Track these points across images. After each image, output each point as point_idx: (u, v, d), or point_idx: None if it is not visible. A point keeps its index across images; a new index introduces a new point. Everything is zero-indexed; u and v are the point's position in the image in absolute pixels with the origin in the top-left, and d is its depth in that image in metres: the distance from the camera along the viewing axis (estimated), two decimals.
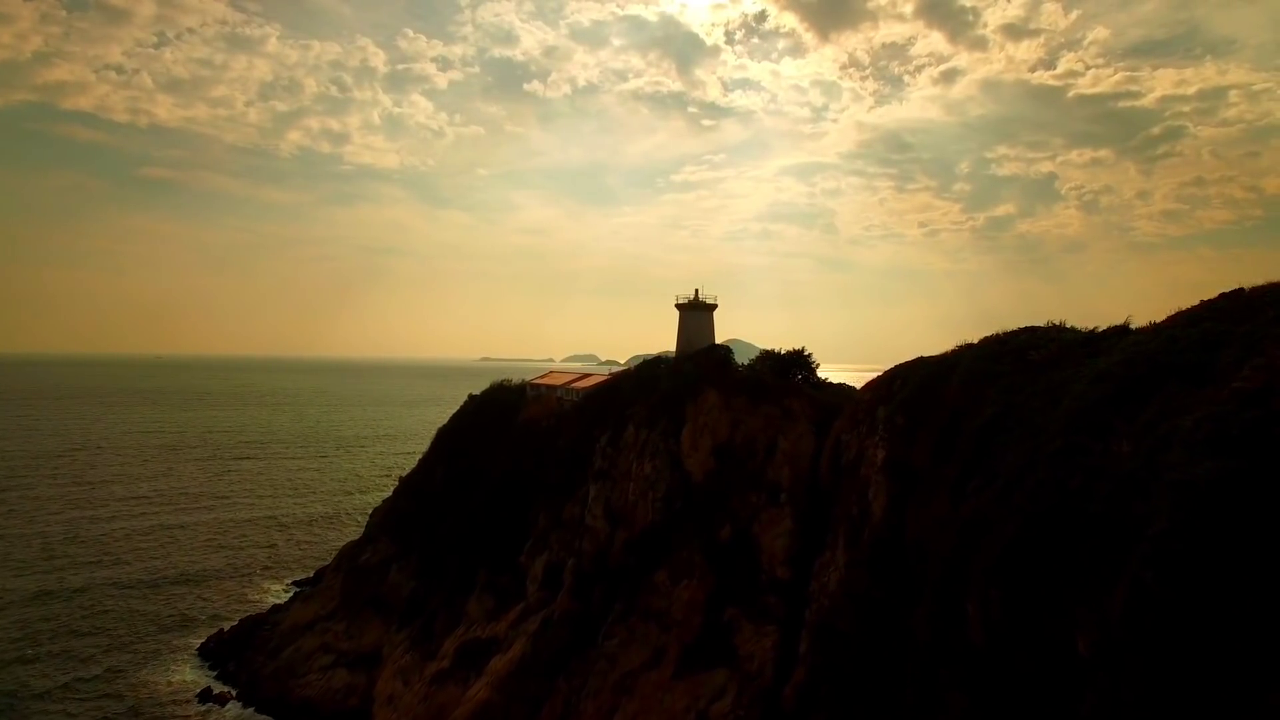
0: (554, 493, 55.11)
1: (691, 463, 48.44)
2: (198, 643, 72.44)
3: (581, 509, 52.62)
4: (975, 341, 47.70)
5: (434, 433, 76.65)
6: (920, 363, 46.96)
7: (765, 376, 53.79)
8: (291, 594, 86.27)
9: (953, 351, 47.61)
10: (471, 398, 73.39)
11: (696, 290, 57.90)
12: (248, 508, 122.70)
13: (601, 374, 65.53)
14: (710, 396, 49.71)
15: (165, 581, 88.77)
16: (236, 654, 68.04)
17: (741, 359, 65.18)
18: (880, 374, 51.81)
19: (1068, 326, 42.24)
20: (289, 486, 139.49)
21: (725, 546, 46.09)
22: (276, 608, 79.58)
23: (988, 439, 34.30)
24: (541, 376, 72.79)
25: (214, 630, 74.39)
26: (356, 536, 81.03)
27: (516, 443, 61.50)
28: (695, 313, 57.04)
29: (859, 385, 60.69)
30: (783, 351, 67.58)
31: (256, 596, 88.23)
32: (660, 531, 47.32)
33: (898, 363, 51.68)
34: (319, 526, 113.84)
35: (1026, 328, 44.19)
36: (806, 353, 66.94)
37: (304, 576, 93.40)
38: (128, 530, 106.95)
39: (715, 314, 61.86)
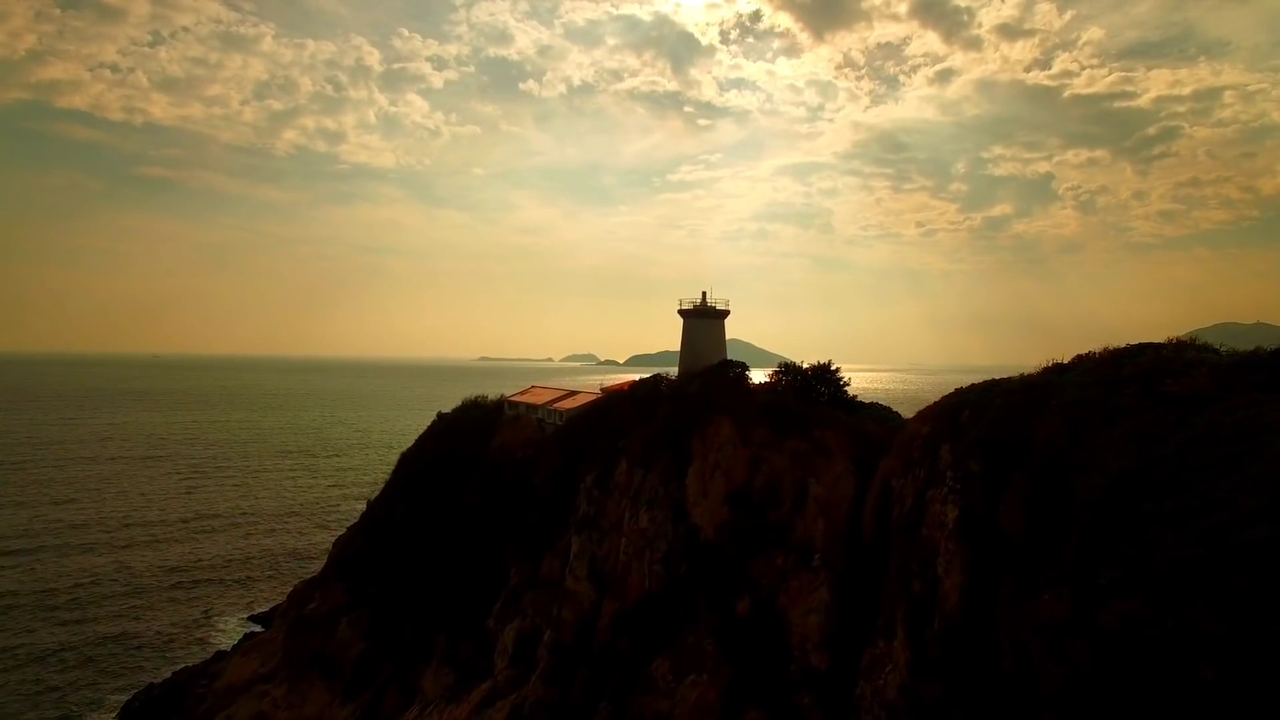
0: (529, 542, 44.85)
1: (700, 513, 38.14)
2: (123, 699, 62.31)
3: (562, 566, 42.38)
4: (1066, 361, 37.53)
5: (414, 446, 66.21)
6: (994, 387, 36.64)
7: (790, 401, 43.50)
8: (242, 634, 76.34)
9: (1041, 374, 37.16)
10: (441, 417, 63.09)
11: (704, 293, 47.57)
12: (217, 524, 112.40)
13: (590, 391, 55.22)
14: (723, 427, 39.44)
15: (104, 614, 78.60)
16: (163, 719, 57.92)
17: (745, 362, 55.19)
18: (939, 401, 41.59)
19: (1205, 345, 31.73)
20: (269, 501, 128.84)
21: (744, 625, 35.78)
22: (220, 654, 69.53)
23: (1123, 506, 23.64)
24: (521, 393, 62.50)
25: (149, 681, 64.38)
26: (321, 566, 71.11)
27: (487, 475, 51.25)
28: (703, 321, 46.58)
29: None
30: (804, 365, 57.36)
31: (205, 633, 78.13)
32: (660, 604, 37.04)
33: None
34: (292, 548, 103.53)
35: (1145, 345, 33.68)
36: (834, 367, 56.70)
37: (263, 610, 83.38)
38: (61, 545, 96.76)
39: (726, 320, 51.35)
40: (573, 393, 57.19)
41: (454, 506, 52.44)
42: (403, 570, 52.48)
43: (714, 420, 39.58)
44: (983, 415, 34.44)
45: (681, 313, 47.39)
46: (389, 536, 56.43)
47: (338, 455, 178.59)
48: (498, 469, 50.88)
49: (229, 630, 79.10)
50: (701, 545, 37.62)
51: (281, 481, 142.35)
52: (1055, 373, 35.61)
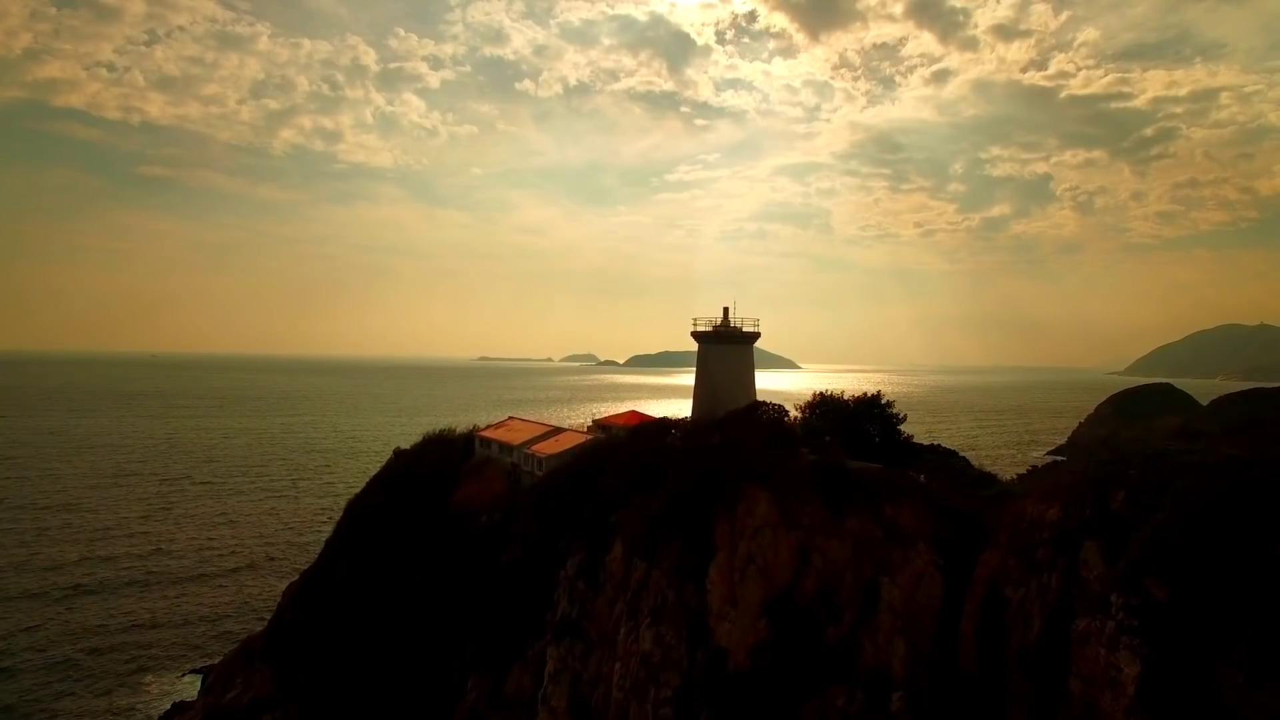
0: (492, 644, 33.31)
1: (727, 630, 26.68)
2: None
3: (534, 684, 30.95)
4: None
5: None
6: (1160, 458, 25.18)
7: (842, 457, 31.99)
8: (169, 705, 64.63)
9: (1246, 436, 25.37)
10: (398, 456, 51.54)
11: (726, 310, 35.81)
12: (173, 564, 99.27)
13: (577, 432, 43.73)
14: (758, 504, 28.02)
15: (27, 667, 66.63)
16: None
17: None
18: (1067, 474, 30.02)
19: None
20: (248, 525, 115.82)
21: None
22: None
23: None
24: (496, 426, 50.97)
25: None
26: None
27: (444, 542, 39.76)
28: (725, 347, 34.74)
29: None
30: (847, 397, 45.77)
31: (130, 700, 66.15)
32: None
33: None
34: (262, 580, 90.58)
35: None
36: (885, 400, 45.14)
37: (208, 664, 71.48)
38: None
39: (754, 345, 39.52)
40: (556, 431, 45.63)
41: (404, 579, 40.97)
42: (340, 660, 41.00)
43: (746, 493, 28.10)
44: (1153, 501, 23.01)
45: (697, 336, 35.62)
46: (328, 608, 44.95)
47: (326, 468, 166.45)
48: (458, 533, 39.37)
49: (164, 690, 67.27)
50: (730, 678, 26.17)
51: (258, 502, 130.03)
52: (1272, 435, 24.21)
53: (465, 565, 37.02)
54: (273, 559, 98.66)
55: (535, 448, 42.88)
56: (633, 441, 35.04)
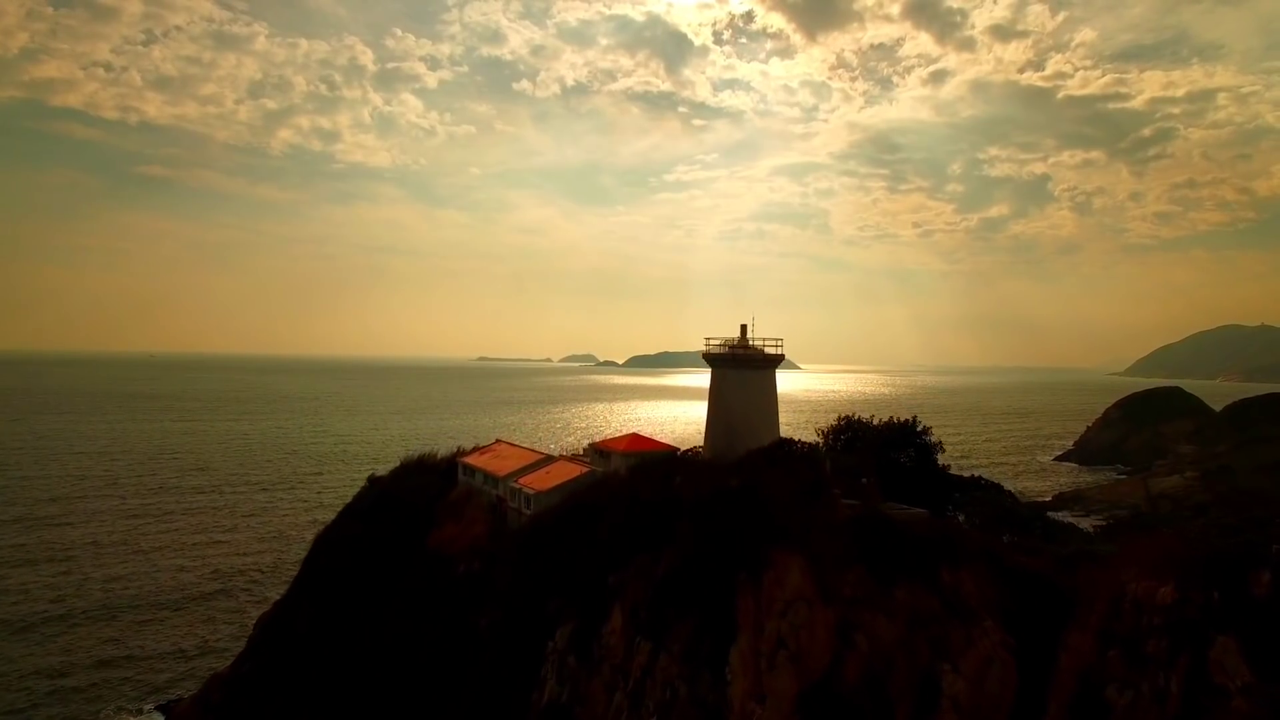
0: None
1: None
2: None
3: None
4: None
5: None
6: None
7: (881, 502, 26.78)
8: None
9: None
10: (372, 483, 46.26)
11: (744, 328, 30.43)
12: (154, 579, 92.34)
13: (573, 462, 38.44)
14: (790, 572, 22.88)
15: None
16: None
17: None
18: (1169, 540, 25.08)
19: None
20: (232, 543, 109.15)
21: None
22: None
23: None
24: (482, 451, 45.69)
25: None
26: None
27: (419, 590, 34.52)
28: (743, 373, 29.27)
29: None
30: (876, 423, 40.55)
31: None
32: None
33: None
34: (239, 606, 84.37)
35: None
36: (920, 427, 39.90)
37: (173, 699, 65.88)
38: None
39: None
40: (547, 460, 40.33)
41: (373, 634, 35.71)
42: None
43: (774, 558, 22.91)
44: None
45: (710, 359, 30.19)
46: (287, 661, 39.67)
47: (318, 475, 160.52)
48: (433, 584, 34.14)
49: None
50: None
51: (245, 517, 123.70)
52: None
53: (441, 623, 31.78)
54: (255, 582, 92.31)
55: (523, 480, 37.63)
56: (633, 482, 29.79)
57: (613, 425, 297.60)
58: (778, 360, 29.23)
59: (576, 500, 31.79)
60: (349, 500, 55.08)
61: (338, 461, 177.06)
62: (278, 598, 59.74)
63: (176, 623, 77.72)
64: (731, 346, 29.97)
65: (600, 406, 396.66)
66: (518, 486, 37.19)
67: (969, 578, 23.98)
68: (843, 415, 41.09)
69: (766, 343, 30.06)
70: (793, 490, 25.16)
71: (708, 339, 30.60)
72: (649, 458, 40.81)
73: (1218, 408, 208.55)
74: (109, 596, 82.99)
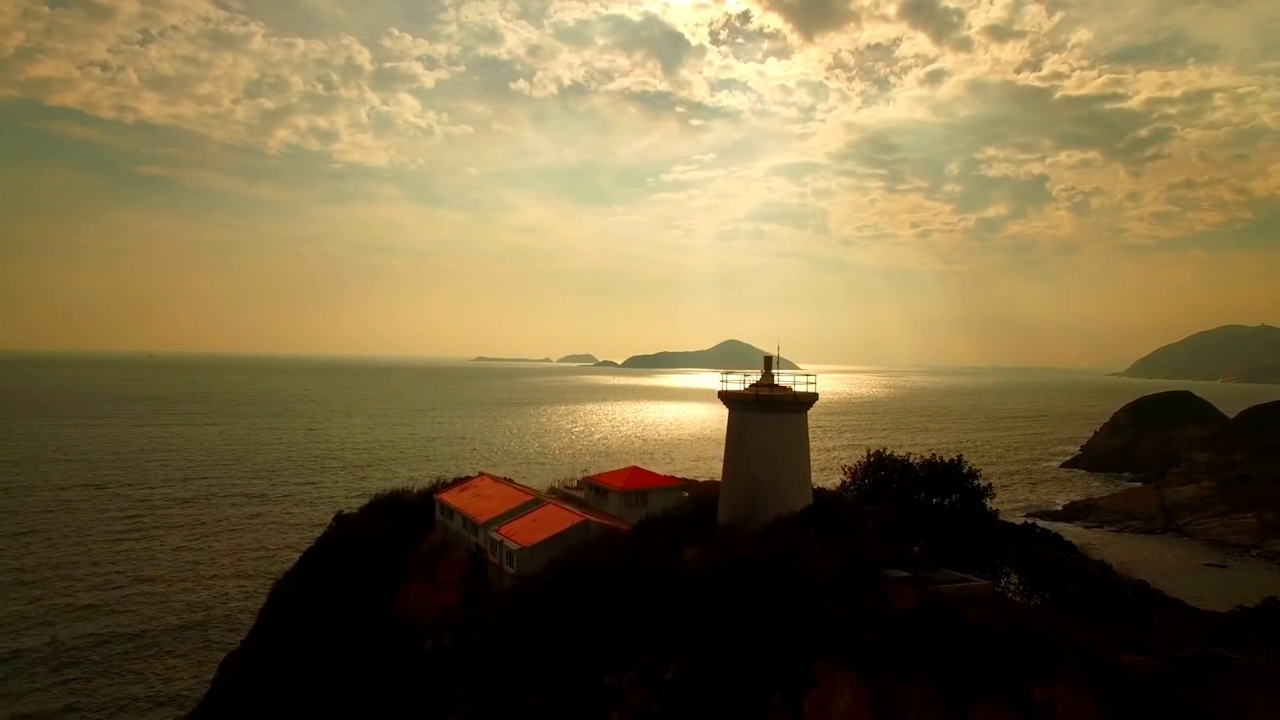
0: None
1: None
2: None
3: None
4: None
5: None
6: None
7: (949, 588, 21.57)
8: None
9: None
10: (339, 523, 40.93)
11: (769, 360, 25.01)
12: (127, 609, 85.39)
13: (563, 510, 33.10)
14: (839, 689, 17.73)
15: None
16: None
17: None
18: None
19: None
20: (211, 565, 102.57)
21: None
22: None
23: None
24: (462, 487, 40.31)
25: None
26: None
27: (382, 666, 29.28)
28: (770, 416, 23.67)
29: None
30: (914, 460, 35.27)
31: None
32: None
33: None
34: (213, 639, 78.03)
35: None
36: (966, 469, 34.63)
37: None
38: None
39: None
40: (535, 503, 34.97)
41: (332, 705, 30.45)
42: None
43: (819, 672, 17.77)
44: None
45: (728, 400, 24.64)
46: None
47: (311, 484, 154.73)
48: (395, 658, 28.90)
49: None
50: None
51: (230, 535, 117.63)
52: None
53: (401, 712, 26.53)
54: (229, 614, 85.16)
55: (506, 530, 32.32)
56: (634, 547, 24.51)
57: (613, 424, 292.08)
58: (811, 401, 23.91)
59: (567, 562, 26.52)
60: (333, 513, 48.58)
61: (329, 473, 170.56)
62: (243, 639, 53.87)
63: (138, 666, 70.59)
64: (755, 385, 24.58)
65: (600, 406, 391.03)
66: (499, 538, 31.88)
67: (1064, 691, 18.77)
68: (873, 451, 35.83)
69: (794, 377, 24.68)
70: (838, 571, 19.93)
71: (723, 377, 25.16)
72: (652, 497, 35.73)
73: (1224, 410, 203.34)
74: (67, 631, 76.12)
